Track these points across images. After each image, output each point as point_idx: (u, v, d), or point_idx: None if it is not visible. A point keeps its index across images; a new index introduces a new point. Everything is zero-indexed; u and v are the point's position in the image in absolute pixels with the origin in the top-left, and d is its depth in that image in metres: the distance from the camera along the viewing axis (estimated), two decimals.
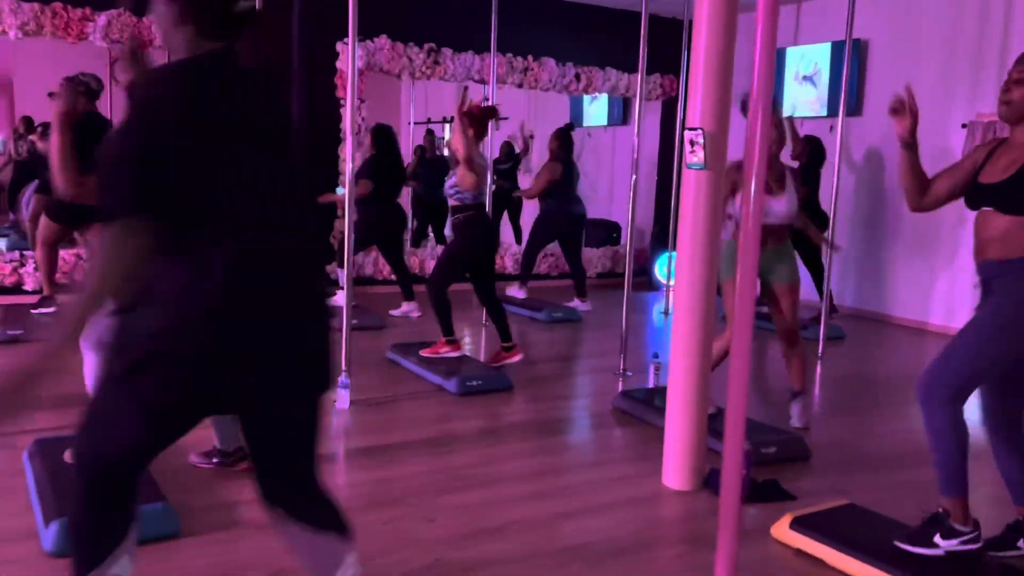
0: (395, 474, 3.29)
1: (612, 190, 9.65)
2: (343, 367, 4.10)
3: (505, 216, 9.19)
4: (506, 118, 10.62)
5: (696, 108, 3.07)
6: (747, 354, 1.67)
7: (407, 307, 6.41)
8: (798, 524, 2.75)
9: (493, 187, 9.74)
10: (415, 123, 10.21)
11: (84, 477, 1.65)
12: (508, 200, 8.72)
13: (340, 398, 4.03)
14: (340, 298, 6.30)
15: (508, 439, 3.80)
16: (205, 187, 1.55)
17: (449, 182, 4.70)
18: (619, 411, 4.21)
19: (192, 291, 1.54)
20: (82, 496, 1.67)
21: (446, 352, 4.80)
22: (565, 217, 6.88)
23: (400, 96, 10.71)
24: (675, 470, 3.20)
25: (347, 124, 4.14)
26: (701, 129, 3.04)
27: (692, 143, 3.05)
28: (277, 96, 1.72)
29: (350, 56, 4.14)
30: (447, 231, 7.55)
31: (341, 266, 6.39)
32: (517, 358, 4.92)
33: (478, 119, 4.68)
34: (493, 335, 5.80)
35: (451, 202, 4.74)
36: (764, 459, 3.44)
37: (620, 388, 4.59)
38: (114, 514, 1.69)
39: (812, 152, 6.42)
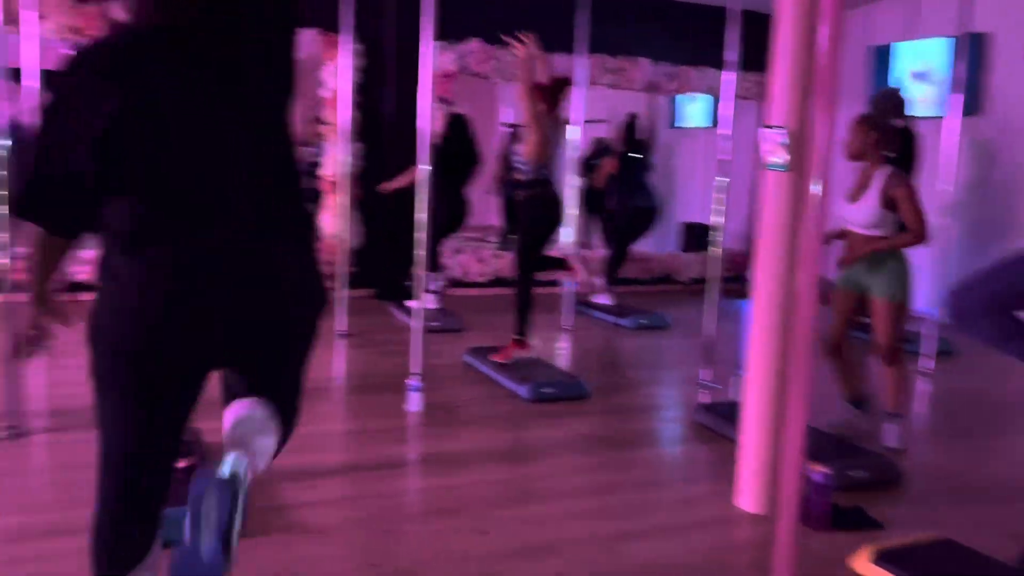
0: (454, 482, 3.21)
1: (712, 193, 9.33)
2: (414, 370, 4.05)
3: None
4: (603, 121, 10.47)
5: (778, 106, 2.86)
6: (808, 367, 1.50)
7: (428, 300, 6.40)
8: (881, 557, 2.51)
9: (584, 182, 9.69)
10: (506, 125, 10.18)
11: (103, 484, 1.64)
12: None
13: (410, 401, 3.99)
14: (426, 300, 6.32)
15: (576, 450, 3.66)
16: (139, 179, 1.50)
17: (518, 155, 4.60)
18: (699, 425, 4.01)
19: (126, 292, 1.53)
20: (105, 500, 1.64)
21: (516, 353, 4.68)
22: (627, 211, 6.73)
23: (496, 99, 10.74)
24: (750, 492, 2.99)
25: (424, 124, 4.09)
26: (785, 128, 2.83)
27: (774, 142, 2.84)
28: (242, 74, 1.58)
29: (428, 58, 4.07)
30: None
31: (432, 269, 6.36)
32: (525, 352, 4.73)
33: (550, 91, 4.55)
34: (577, 339, 5.69)
35: (520, 176, 4.64)
36: (850, 483, 3.18)
37: (703, 400, 4.37)
38: (136, 526, 1.66)
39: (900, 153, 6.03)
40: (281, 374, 1.74)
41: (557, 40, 7.18)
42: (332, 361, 5.02)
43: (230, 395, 1.73)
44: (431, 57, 4.13)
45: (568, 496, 3.12)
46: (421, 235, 4.15)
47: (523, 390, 4.28)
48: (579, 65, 6.30)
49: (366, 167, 6.82)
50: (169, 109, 1.48)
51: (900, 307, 3.66)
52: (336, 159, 6.81)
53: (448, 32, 7.04)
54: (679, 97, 9.19)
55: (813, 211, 1.53)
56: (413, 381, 4.01)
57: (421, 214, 4.14)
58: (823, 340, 3.85)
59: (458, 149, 6.11)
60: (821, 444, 3.52)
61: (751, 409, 2.99)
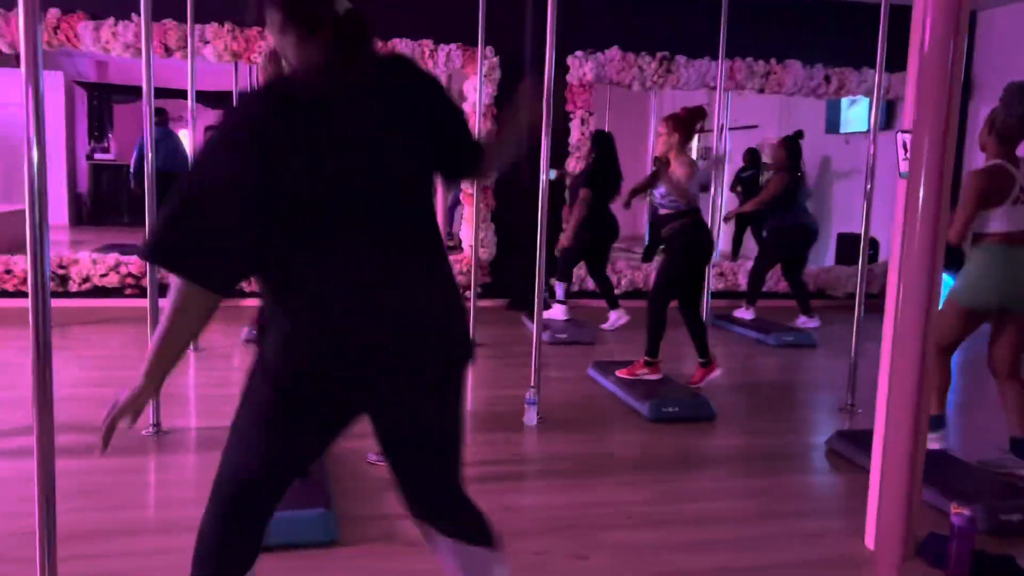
0: (562, 500, 3.13)
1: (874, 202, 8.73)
2: (532, 383, 4.00)
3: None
4: (755, 126, 10.07)
5: (911, 109, 2.60)
6: (915, 388, 1.33)
7: (614, 316, 6.24)
8: None
9: (738, 189, 9.33)
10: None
11: (218, 496, 1.65)
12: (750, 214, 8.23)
13: (527, 414, 3.95)
14: (556, 312, 6.28)
15: (695, 475, 3.48)
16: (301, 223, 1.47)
17: (660, 190, 4.47)
18: (834, 453, 3.72)
19: (302, 327, 1.52)
20: (214, 516, 1.65)
21: (644, 374, 4.54)
22: (799, 232, 6.33)
23: (648, 108, 10.56)
24: (881, 534, 2.72)
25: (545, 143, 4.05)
26: (910, 133, 2.56)
27: (906, 147, 2.59)
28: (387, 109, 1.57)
29: (548, 67, 4.03)
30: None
31: (562, 279, 6.36)
32: (716, 373, 4.62)
33: (685, 121, 4.43)
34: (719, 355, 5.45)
35: (662, 211, 4.53)
36: (1003, 527, 2.84)
37: (842, 427, 4.07)
38: (240, 540, 1.67)
39: None
40: (444, 431, 1.71)
41: (699, 45, 6.97)
42: None
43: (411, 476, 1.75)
44: (552, 67, 4.06)
45: (678, 523, 2.97)
46: (550, 245, 4.10)
47: (645, 408, 4.14)
48: (721, 70, 6.04)
49: (500, 178, 6.87)
50: (328, 156, 1.47)
51: None
52: None
53: (587, 41, 7.01)
54: (842, 101, 8.69)
55: (929, 219, 1.36)
56: (530, 395, 3.97)
57: (542, 224, 4.09)
58: (989, 364, 3.49)
59: (603, 166, 6.05)
60: (971, 481, 3.18)
61: (883, 436, 2.72)
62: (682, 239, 4.46)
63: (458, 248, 7.31)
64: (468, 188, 6.89)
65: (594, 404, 4.39)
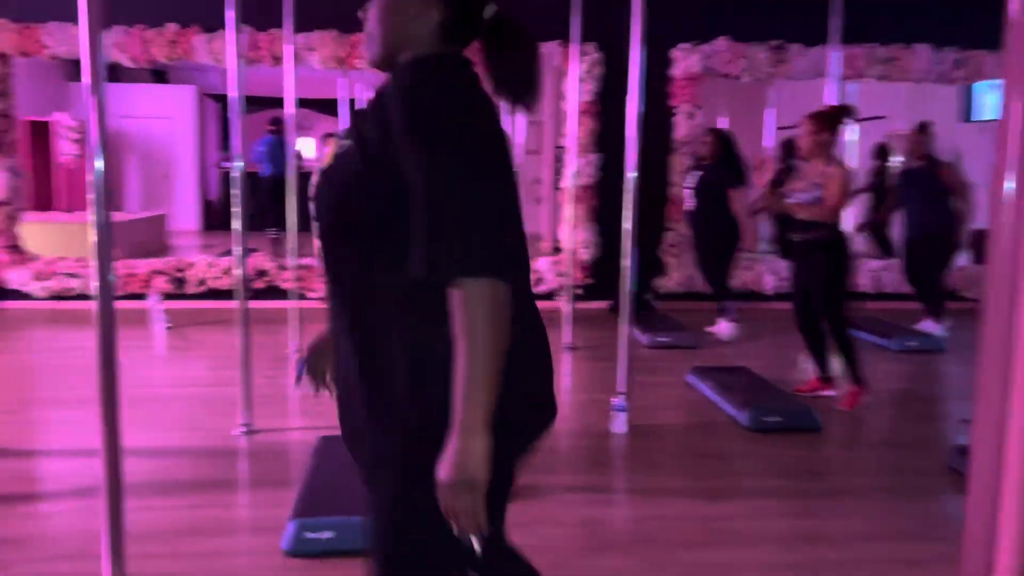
0: (642, 513, 2.97)
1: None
2: (621, 389, 3.85)
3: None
4: (882, 117, 9.45)
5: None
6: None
7: (724, 325, 5.91)
8: None
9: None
10: (780, 128, 9.54)
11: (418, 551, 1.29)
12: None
13: (615, 421, 3.80)
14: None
15: (789, 490, 3.24)
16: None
17: (805, 195, 4.13)
18: (952, 471, 3.39)
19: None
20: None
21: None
22: (936, 228, 5.83)
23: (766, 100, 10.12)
24: (975, 564, 2.43)
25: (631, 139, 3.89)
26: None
27: None
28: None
29: (636, 62, 3.86)
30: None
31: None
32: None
33: (831, 118, 4.13)
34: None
35: (805, 214, 4.17)
36: None
37: (962, 442, 3.71)
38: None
39: None
40: None
41: (815, 32, 6.59)
42: None
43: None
44: (639, 61, 3.89)
45: (764, 542, 2.76)
46: (632, 243, 3.94)
47: (743, 417, 3.91)
48: (835, 56, 5.67)
49: (603, 178, 6.73)
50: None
51: None
52: (574, 170, 6.78)
53: (693, 33, 6.76)
54: (977, 86, 8.03)
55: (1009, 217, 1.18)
56: (618, 401, 3.82)
57: (627, 224, 3.94)
58: None
59: (726, 169, 5.72)
60: None
61: (979, 455, 2.43)
62: (835, 248, 4.14)
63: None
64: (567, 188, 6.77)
65: (689, 411, 4.19)
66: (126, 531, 2.15)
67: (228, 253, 7.20)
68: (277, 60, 6.44)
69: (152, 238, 9.30)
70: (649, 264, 6.67)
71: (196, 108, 12.65)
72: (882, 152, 8.67)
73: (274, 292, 6.69)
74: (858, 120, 7.76)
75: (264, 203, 9.16)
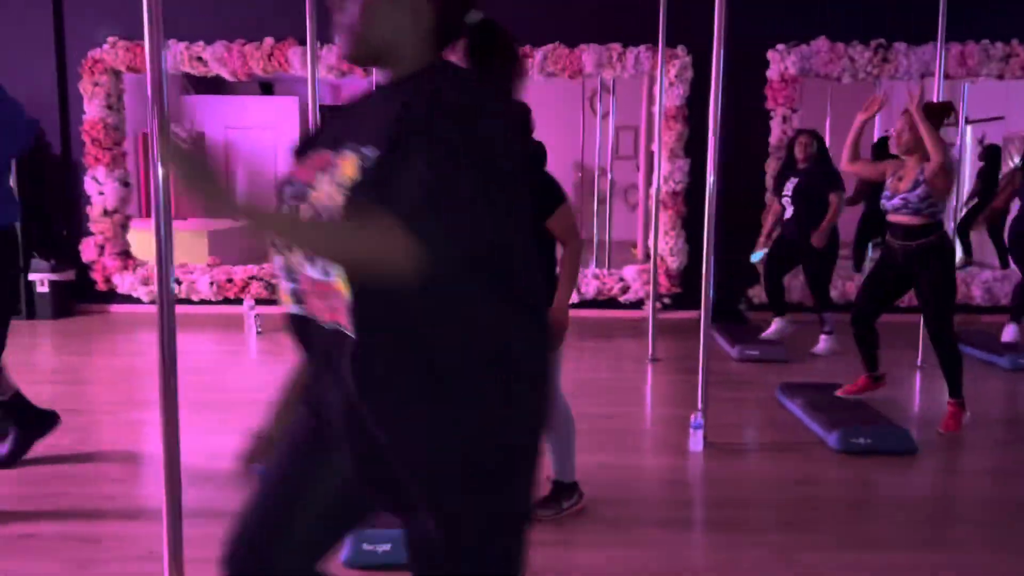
0: (709, 539, 2.84)
1: None
2: (699, 404, 3.70)
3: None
4: (999, 118, 8.87)
5: None
6: None
7: (822, 339, 5.60)
8: None
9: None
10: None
11: None
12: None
13: (692, 439, 3.66)
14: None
15: (875, 518, 3.02)
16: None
17: (913, 192, 3.84)
18: None
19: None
20: None
21: (967, 418, 3.94)
22: None
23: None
24: None
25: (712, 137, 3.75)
26: None
27: None
28: None
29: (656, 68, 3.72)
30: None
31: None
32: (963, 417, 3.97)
33: (936, 113, 3.87)
34: (927, 379, 4.84)
35: (916, 219, 3.86)
36: None
37: None
38: None
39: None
40: None
41: (921, 29, 6.22)
42: (628, 385, 4.84)
43: None
44: (719, 63, 3.75)
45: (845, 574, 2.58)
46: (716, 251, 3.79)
47: (831, 438, 3.69)
48: (943, 54, 5.32)
49: (693, 183, 6.54)
50: None
51: None
52: (664, 176, 6.62)
53: (791, 33, 6.50)
54: None
55: None
56: (695, 418, 3.67)
57: (708, 230, 3.80)
58: None
59: (823, 173, 5.40)
60: None
61: None
62: (947, 253, 3.91)
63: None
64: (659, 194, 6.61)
65: (774, 430, 3.99)
66: (186, 535, 2.19)
67: None
68: (366, 71, 6.56)
69: (255, 244, 9.63)
70: (743, 273, 6.44)
71: (298, 119, 13.08)
72: (992, 154, 8.11)
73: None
74: (968, 121, 7.29)
75: None
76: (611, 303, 6.91)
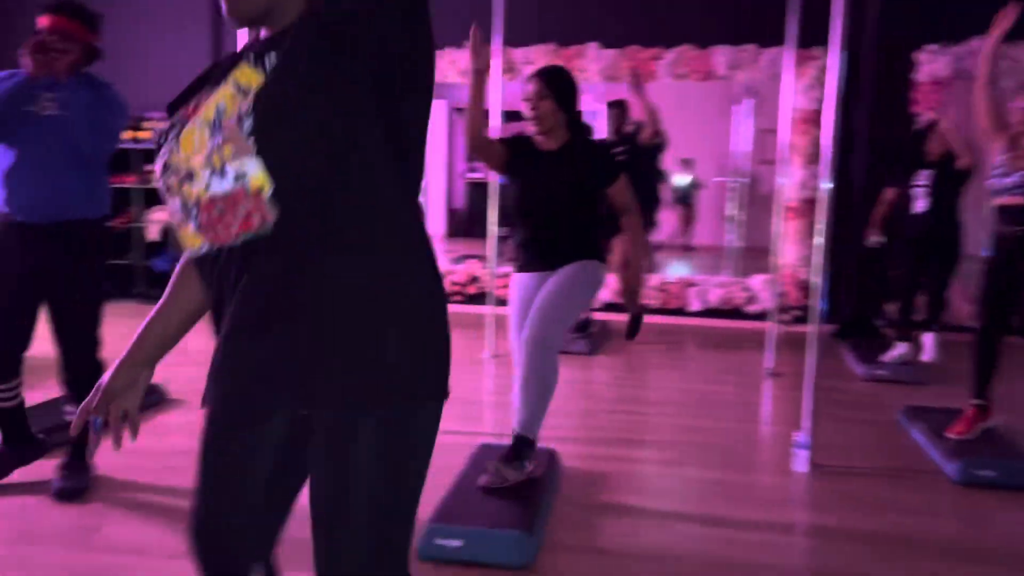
0: (813, 562, 2.69)
1: None
2: (804, 424, 3.52)
3: None
4: None
5: None
6: None
7: (927, 339, 5.21)
8: None
9: None
10: None
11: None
12: None
13: (795, 459, 3.48)
14: (898, 353, 5.31)
15: (991, 562, 2.76)
16: None
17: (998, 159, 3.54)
18: None
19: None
20: None
21: (979, 425, 3.69)
22: None
23: None
24: None
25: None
26: None
27: None
28: None
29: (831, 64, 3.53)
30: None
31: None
32: (986, 422, 3.68)
33: None
34: None
35: (1008, 199, 3.55)
36: None
37: None
38: None
39: None
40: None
41: None
42: (741, 399, 4.65)
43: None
44: (838, 67, 3.55)
45: None
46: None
47: (951, 468, 3.41)
48: None
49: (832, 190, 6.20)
50: None
51: None
52: (798, 183, 6.34)
53: (943, 33, 6.07)
54: None
55: None
56: (801, 436, 3.49)
57: (819, 238, 3.60)
58: None
59: (955, 166, 5.05)
60: None
61: None
62: None
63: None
64: (793, 201, 6.33)
65: (890, 455, 3.73)
66: None
67: (461, 260, 7.55)
68: (509, 73, 6.64)
69: None
70: (879, 284, 6.06)
71: (447, 122, 13.45)
72: None
73: (483, 298, 6.92)
74: None
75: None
76: (735, 313, 6.69)
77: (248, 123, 1.11)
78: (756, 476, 3.48)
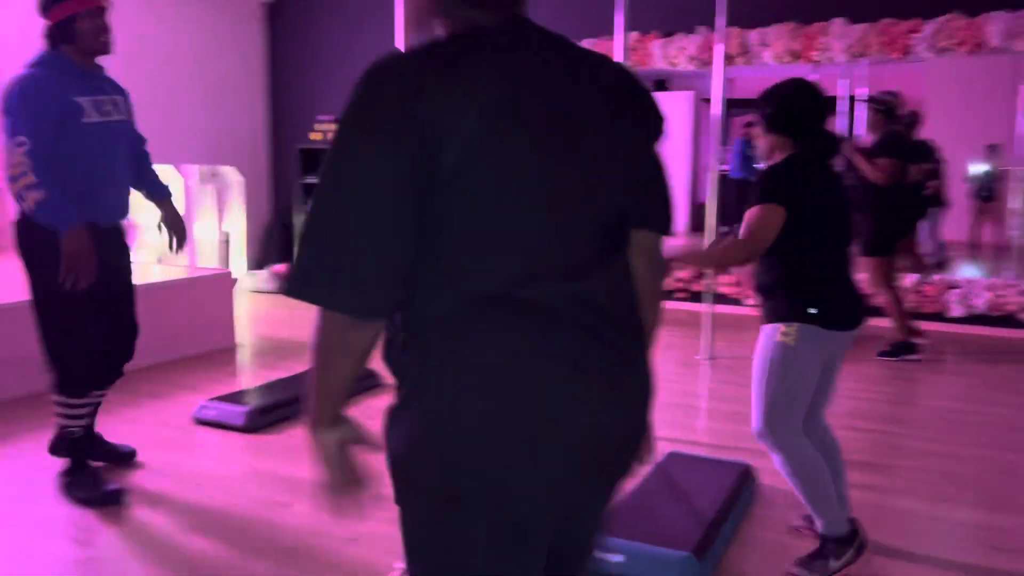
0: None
1: None
2: None
3: None
4: None
5: None
6: None
7: None
8: None
9: None
10: None
11: None
12: None
13: None
14: None
15: None
16: None
17: None
18: None
19: None
20: None
21: None
22: None
23: None
24: None
25: None
26: None
27: None
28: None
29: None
30: None
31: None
32: None
33: None
34: None
35: None
36: None
37: None
38: None
39: None
40: None
41: None
42: (990, 420, 3.96)
43: None
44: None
45: None
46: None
47: None
48: None
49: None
50: None
51: None
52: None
53: None
54: None
55: None
56: None
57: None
58: None
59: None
60: None
61: None
62: None
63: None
64: None
65: None
66: None
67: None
68: (728, 59, 6.26)
69: None
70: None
71: (692, 113, 12.95)
72: None
73: (696, 296, 6.57)
74: None
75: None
76: (1007, 321, 5.76)
77: None
78: (973, 512, 2.93)
